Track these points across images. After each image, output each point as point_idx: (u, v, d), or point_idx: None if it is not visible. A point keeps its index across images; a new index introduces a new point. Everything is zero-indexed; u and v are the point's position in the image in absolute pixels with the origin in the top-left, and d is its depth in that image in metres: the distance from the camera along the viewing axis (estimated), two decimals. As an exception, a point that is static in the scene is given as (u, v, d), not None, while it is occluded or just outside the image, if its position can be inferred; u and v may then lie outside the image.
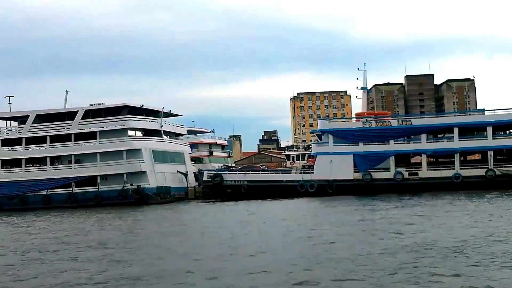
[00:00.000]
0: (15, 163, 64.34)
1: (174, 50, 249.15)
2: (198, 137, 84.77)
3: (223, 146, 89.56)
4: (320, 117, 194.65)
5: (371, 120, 58.04)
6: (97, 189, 60.70)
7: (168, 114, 67.96)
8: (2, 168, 64.00)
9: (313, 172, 59.00)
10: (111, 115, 63.15)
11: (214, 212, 45.10)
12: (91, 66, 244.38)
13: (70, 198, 60.68)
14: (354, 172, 57.16)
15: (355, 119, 62.61)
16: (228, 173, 61.85)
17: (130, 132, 62.86)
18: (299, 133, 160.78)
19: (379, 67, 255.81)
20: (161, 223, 37.43)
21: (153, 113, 65.99)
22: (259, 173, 61.71)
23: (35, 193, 62.08)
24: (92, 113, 63.46)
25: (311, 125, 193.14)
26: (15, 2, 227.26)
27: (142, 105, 64.36)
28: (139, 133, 64.29)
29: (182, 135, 71.14)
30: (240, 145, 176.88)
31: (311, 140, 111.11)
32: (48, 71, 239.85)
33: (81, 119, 62.72)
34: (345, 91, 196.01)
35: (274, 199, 54.45)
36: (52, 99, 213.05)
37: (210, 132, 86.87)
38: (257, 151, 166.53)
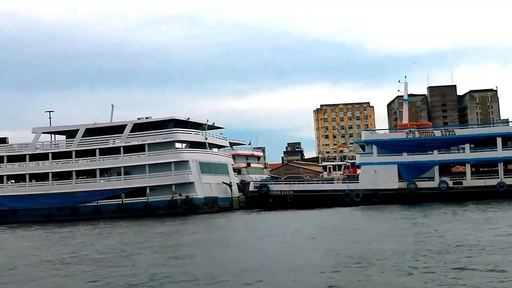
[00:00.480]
0: (65, 175, 66.31)
1: (190, 63, 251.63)
2: (234, 149, 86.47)
3: (258, 158, 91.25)
4: (343, 128, 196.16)
5: (415, 130, 59.44)
6: (146, 200, 62.41)
7: (211, 127, 69.72)
8: (52, 180, 66.02)
9: (357, 182, 60.48)
10: (157, 128, 65.03)
11: (275, 220, 46.54)
12: (107, 79, 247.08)
13: (120, 209, 62.39)
14: (399, 181, 58.50)
15: (397, 130, 63.96)
16: (274, 183, 63.42)
17: (177, 145, 64.75)
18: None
19: (398, 78, 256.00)
20: (236, 230, 38.98)
21: (197, 126, 67.79)
22: (304, 183, 63.20)
23: (86, 204, 63.95)
24: (139, 127, 65.35)
25: (334, 136, 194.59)
26: (32, 16, 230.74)
27: (188, 118, 66.21)
28: (185, 146, 66.16)
29: (224, 147, 72.89)
30: (264, 157, 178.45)
31: (341, 151, 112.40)
32: (66, 85, 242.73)
33: (129, 132, 64.64)
34: (368, 102, 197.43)
35: (320, 208, 55.86)
36: (71, 112, 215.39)
37: (247, 144, 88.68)
38: (281, 162, 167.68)
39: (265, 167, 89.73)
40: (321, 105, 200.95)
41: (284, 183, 63.37)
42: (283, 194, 61.30)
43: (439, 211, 43.58)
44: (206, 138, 67.28)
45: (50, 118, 74.78)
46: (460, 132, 59.44)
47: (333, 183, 64.61)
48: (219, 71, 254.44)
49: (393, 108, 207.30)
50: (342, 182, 63.44)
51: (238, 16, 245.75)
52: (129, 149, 64.52)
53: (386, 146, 59.53)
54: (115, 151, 64.83)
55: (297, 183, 62.63)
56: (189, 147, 65.91)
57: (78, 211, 63.46)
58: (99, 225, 49.88)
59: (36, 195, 65.57)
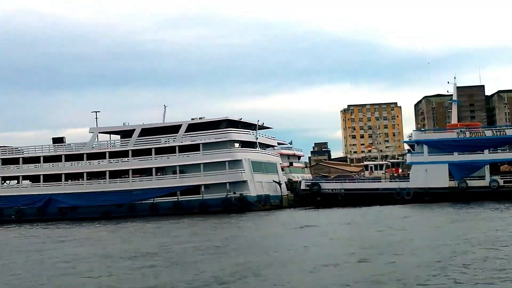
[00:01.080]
0: (121, 174, 68.65)
1: (209, 63, 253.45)
2: (276, 149, 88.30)
3: (299, 157, 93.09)
4: (370, 128, 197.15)
5: (465, 130, 60.99)
6: (201, 197, 64.51)
7: (261, 127, 71.66)
8: (109, 178, 68.37)
9: (407, 181, 62.17)
10: (210, 128, 67.13)
11: (339, 218, 48.35)
12: (127, 80, 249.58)
13: (175, 206, 64.51)
14: (449, 180, 60.10)
15: (447, 130, 65.49)
16: (325, 182, 65.28)
17: (230, 144, 66.75)
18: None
19: (422, 78, 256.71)
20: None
21: (248, 126, 69.82)
22: (355, 182, 64.99)
23: (142, 202, 66.19)
24: (193, 127, 67.47)
25: (361, 136, 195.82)
26: (54, 19, 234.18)
27: (241, 119, 68.24)
28: (237, 145, 68.19)
29: (273, 146, 74.82)
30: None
31: (369, 151, 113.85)
32: (85, 86, 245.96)
33: (184, 132, 66.78)
34: (396, 103, 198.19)
35: (370, 206, 57.50)
36: (90, 114, 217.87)
37: (288, 144, 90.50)
38: (308, 162, 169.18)
39: (306, 166, 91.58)
40: (348, 106, 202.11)
41: (335, 182, 65.15)
42: (334, 192, 63.12)
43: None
44: (257, 138, 69.28)
45: (96, 118, 76.89)
46: (511, 132, 60.87)
47: (381, 181, 66.32)
48: (239, 71, 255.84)
49: (420, 108, 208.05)
50: (390, 181, 65.11)
51: (259, 16, 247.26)
52: (184, 148, 66.64)
53: (437, 146, 61.15)
54: (170, 150, 67.00)
55: (348, 182, 64.41)
56: (241, 147, 67.92)
57: (135, 208, 65.65)
58: (181, 221, 51.53)
59: (93, 192, 67.97)
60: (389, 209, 53.27)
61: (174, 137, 67.17)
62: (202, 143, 66.15)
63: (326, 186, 63.99)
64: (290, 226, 41.12)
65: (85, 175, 69.23)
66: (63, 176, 69.85)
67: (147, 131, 68.52)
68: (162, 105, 74.93)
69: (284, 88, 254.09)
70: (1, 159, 72.19)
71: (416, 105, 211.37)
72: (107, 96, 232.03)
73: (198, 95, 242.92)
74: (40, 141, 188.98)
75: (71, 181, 70.30)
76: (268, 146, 73.52)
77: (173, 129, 67.49)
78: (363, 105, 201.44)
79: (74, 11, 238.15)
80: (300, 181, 66.05)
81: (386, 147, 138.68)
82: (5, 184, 72.28)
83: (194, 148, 66.57)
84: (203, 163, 65.38)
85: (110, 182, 68.15)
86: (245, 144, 68.14)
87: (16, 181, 72.67)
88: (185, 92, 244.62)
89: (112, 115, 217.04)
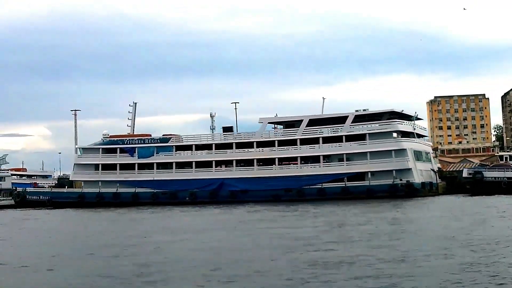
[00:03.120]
0: (290, 160, 74.73)
1: (271, 53, 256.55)
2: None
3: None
4: (457, 120, 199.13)
5: None
6: (368, 183, 69.90)
7: (417, 118, 76.44)
8: (278, 164, 74.47)
9: None
10: (374, 119, 72.44)
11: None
12: (191, 69, 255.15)
13: (343, 191, 70.11)
14: None
15: None
16: (488, 170, 69.71)
17: (394, 134, 71.88)
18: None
19: (492, 69, 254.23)
20: None
21: (407, 118, 74.71)
22: (520, 170, 69.16)
23: (311, 187, 71.97)
24: (358, 118, 72.86)
25: (448, 128, 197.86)
26: (120, 8, 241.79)
27: (402, 110, 73.23)
28: (395, 135, 73.18)
29: (424, 136, 79.49)
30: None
31: (459, 142, 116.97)
32: (151, 74, 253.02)
33: (351, 122, 72.25)
34: (484, 94, 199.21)
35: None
36: (156, 102, 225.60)
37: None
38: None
39: (436, 156, 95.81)
40: (435, 97, 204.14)
41: (498, 170, 69.42)
42: (497, 180, 67.48)
43: None
44: (414, 129, 74.17)
45: (236, 109, 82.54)
46: None
47: None
48: (301, 61, 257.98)
49: (508, 100, 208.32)
50: None
51: (321, 6, 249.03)
52: (350, 138, 72.13)
53: None
54: (337, 139, 72.61)
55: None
56: (401, 137, 72.93)
57: (304, 193, 71.39)
58: (369, 204, 57.02)
59: (263, 177, 74.17)
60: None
61: (341, 127, 72.68)
62: (368, 133, 71.48)
63: (489, 174, 68.36)
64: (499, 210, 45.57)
65: (255, 161, 75.49)
66: (234, 162, 76.35)
67: (314, 122, 74.18)
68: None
69: (345, 78, 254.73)
70: (175, 146, 79.27)
71: (504, 97, 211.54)
72: (171, 84, 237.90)
73: (262, 84, 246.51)
74: (109, 130, 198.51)
75: (240, 166, 76.64)
76: (420, 136, 78.19)
77: (339, 120, 73.02)
78: (450, 97, 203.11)
79: (139, 3, 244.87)
80: (462, 170, 70.67)
81: (474, 138, 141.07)
82: (180, 168, 79.14)
83: (360, 137, 71.97)
84: (370, 151, 70.72)
85: (279, 168, 74.25)
86: (404, 134, 73.13)
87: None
88: (249, 81, 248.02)
89: (177, 103, 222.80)
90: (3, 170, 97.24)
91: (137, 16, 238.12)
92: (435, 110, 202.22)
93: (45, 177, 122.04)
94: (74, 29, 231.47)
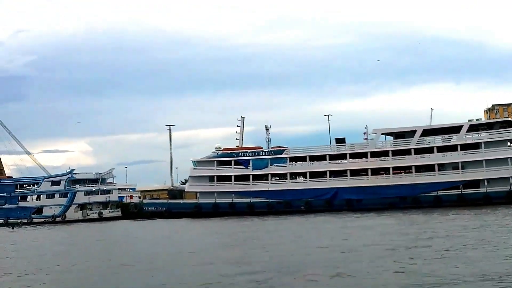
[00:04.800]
0: (402, 169, 77.50)
1: (308, 65, 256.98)
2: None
3: None
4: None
5: None
6: (484, 191, 71.94)
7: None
8: (393, 174, 77.27)
9: None
10: (487, 128, 74.74)
11: None
12: (228, 84, 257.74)
13: (459, 199, 72.30)
14: None
15: None
16: None
17: (509, 143, 73.99)
18: None
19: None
20: None
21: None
22: None
23: (426, 194, 74.40)
24: (472, 127, 75.25)
25: None
26: (156, 25, 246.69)
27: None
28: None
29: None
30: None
31: None
32: (189, 89, 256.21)
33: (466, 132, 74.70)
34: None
35: None
36: (194, 116, 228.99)
37: None
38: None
39: None
40: (492, 105, 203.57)
41: None
42: None
43: None
44: (516, 138, 76.14)
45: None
46: None
47: None
48: (337, 72, 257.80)
49: None
50: None
51: (356, 17, 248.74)
52: (465, 147, 74.50)
53: None
54: (451, 148, 75.11)
55: None
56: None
57: (419, 200, 73.82)
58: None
59: (378, 186, 77.02)
60: None
61: (455, 136, 75.18)
62: (484, 142, 73.74)
63: None
64: None
65: (369, 170, 78.46)
66: (348, 171, 79.48)
67: (427, 132, 76.84)
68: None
69: (382, 88, 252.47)
70: (289, 157, 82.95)
71: None
72: (207, 99, 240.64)
73: (296, 96, 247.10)
74: (145, 144, 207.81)
75: (354, 176, 79.62)
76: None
77: (453, 129, 75.54)
78: (508, 105, 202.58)
79: (176, 19, 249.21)
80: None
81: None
82: (293, 179, 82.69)
83: (474, 146, 74.25)
84: (485, 159, 72.92)
85: (394, 177, 77.02)
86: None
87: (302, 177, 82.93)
88: (284, 93, 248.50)
89: (213, 118, 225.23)
90: (109, 183, 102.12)
91: (173, 32, 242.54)
92: (493, 119, 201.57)
93: (132, 189, 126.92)
94: (112, 47, 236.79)
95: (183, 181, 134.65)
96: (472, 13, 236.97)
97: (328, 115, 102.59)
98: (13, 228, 74.76)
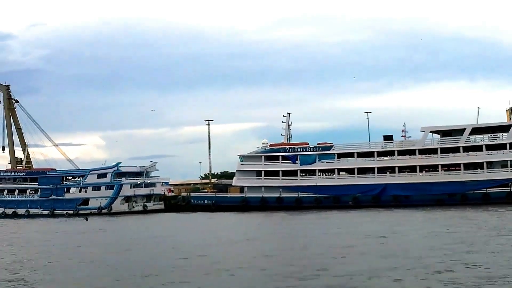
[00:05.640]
0: (451, 167, 78.80)
1: (322, 61, 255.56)
2: None
3: None
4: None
5: None
6: (534, 188, 73.19)
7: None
8: (441, 170, 78.57)
9: None
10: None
11: None
12: (239, 79, 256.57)
13: (508, 196, 73.46)
14: None
15: None
16: None
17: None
18: None
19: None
20: None
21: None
22: None
23: (474, 192, 75.59)
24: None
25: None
26: (169, 21, 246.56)
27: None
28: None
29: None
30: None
31: None
32: (201, 85, 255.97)
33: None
34: None
35: None
36: (206, 112, 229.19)
37: None
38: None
39: None
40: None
41: None
42: None
43: None
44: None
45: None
46: None
47: None
48: (351, 69, 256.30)
49: None
50: None
51: (371, 14, 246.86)
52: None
53: None
54: (500, 146, 76.24)
55: None
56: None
57: (468, 197, 74.87)
58: None
59: (426, 183, 78.28)
60: None
61: (504, 134, 76.37)
62: (533, 141, 74.93)
63: None
64: None
65: (417, 167, 79.80)
66: (396, 168, 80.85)
67: (476, 130, 77.99)
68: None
69: (396, 85, 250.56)
70: (337, 153, 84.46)
71: None
72: (220, 94, 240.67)
73: (311, 92, 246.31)
74: (159, 139, 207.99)
75: (402, 172, 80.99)
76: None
77: (503, 128, 76.75)
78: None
79: (190, 14, 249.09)
80: None
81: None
82: (340, 174, 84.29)
83: (525, 144, 75.43)
84: (534, 159, 74.08)
85: (443, 174, 78.29)
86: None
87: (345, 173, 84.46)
88: (298, 90, 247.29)
89: (224, 113, 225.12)
90: (153, 177, 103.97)
91: (187, 27, 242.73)
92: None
93: (165, 183, 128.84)
94: (125, 42, 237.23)
95: (202, 176, 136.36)
96: (487, 11, 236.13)
97: (367, 112, 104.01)
98: (87, 220, 78.15)
